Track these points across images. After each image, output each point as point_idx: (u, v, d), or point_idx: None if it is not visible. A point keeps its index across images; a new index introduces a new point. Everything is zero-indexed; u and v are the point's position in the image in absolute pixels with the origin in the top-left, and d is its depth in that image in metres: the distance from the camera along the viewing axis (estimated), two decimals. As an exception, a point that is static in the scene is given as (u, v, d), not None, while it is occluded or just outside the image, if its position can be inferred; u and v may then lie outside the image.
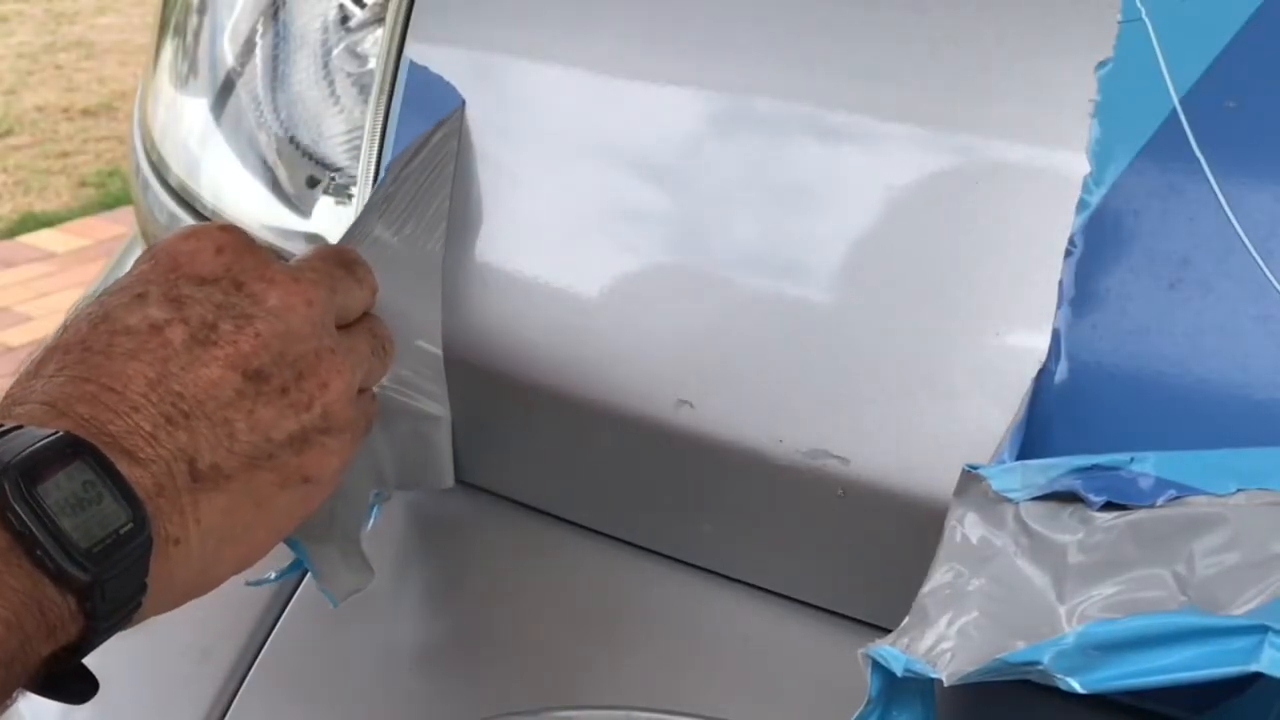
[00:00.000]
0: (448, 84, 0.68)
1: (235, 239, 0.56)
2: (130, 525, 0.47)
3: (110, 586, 0.46)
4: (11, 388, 0.52)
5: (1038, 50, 0.55)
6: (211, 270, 0.55)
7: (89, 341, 0.52)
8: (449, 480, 0.71)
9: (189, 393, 0.51)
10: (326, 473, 0.56)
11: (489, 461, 0.72)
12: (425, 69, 0.68)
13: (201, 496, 0.51)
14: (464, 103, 0.67)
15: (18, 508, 0.45)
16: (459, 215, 0.67)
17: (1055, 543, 0.47)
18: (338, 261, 0.60)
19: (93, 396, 0.50)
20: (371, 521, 0.69)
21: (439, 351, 0.67)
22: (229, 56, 0.84)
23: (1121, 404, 0.52)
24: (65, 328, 0.53)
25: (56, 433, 0.47)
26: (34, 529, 0.45)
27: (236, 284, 0.55)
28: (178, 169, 0.87)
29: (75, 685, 0.47)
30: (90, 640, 0.47)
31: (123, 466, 0.48)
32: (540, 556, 0.70)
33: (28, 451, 0.46)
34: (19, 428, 0.47)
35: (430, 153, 0.67)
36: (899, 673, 0.46)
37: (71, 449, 0.47)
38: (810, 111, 0.59)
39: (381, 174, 0.69)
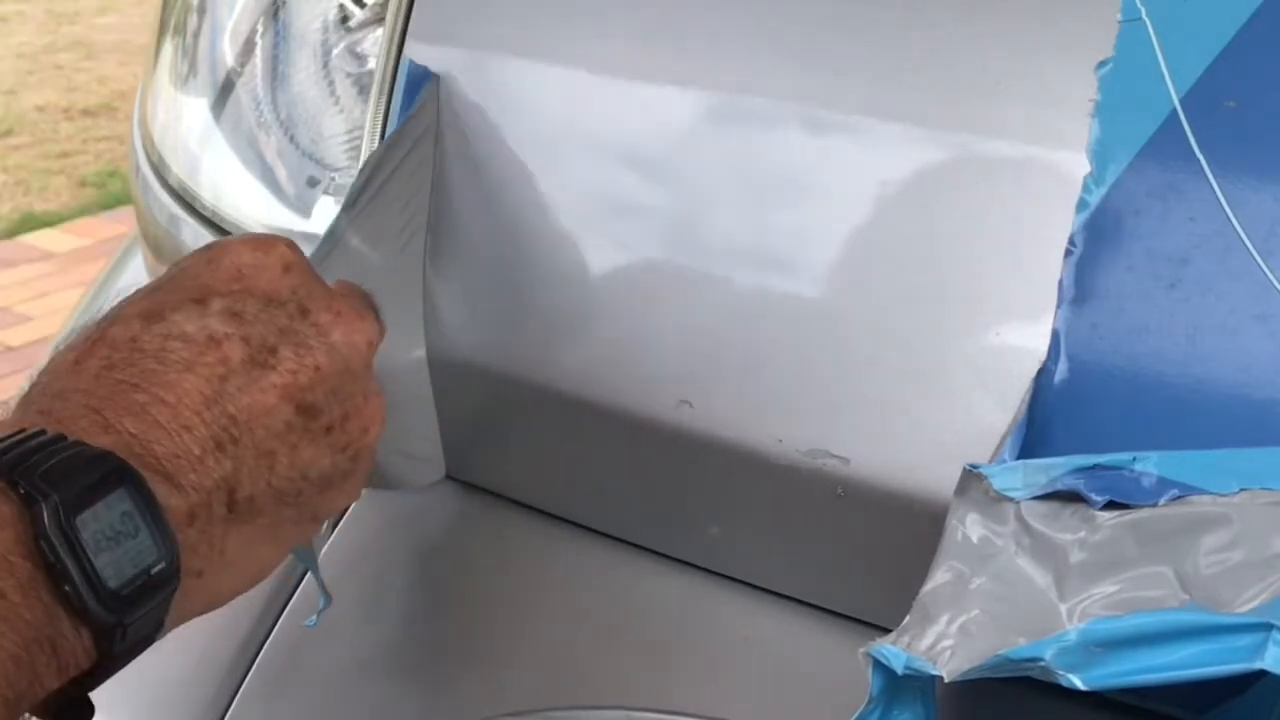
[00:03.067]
0: (448, 83, 0.68)
1: (301, 259, 0.54)
2: (162, 566, 0.45)
3: (132, 629, 0.44)
4: (49, 374, 0.49)
5: (1038, 49, 0.55)
6: (278, 290, 0.52)
7: (141, 341, 0.49)
8: (439, 473, 0.70)
9: (241, 418, 0.49)
10: (334, 513, 0.54)
11: (488, 461, 0.72)
12: (425, 69, 0.68)
13: (231, 529, 0.49)
14: (437, 78, 0.67)
15: (54, 539, 0.42)
16: (458, 214, 0.67)
17: (1057, 541, 0.47)
18: (369, 303, 0.57)
19: (142, 409, 0.47)
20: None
21: (422, 354, 0.67)
22: (229, 56, 0.84)
23: (1121, 404, 0.52)
24: (113, 320, 0.50)
25: (103, 453, 0.45)
26: (67, 563, 0.42)
27: (302, 310, 0.52)
28: (178, 169, 0.87)
29: (73, 714, 0.45)
30: (99, 677, 0.44)
31: (161, 492, 0.46)
32: (538, 556, 0.70)
33: (71, 477, 0.43)
34: (61, 439, 0.45)
35: (402, 147, 0.65)
36: (900, 671, 0.46)
37: (115, 476, 0.44)
38: (809, 111, 0.59)
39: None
